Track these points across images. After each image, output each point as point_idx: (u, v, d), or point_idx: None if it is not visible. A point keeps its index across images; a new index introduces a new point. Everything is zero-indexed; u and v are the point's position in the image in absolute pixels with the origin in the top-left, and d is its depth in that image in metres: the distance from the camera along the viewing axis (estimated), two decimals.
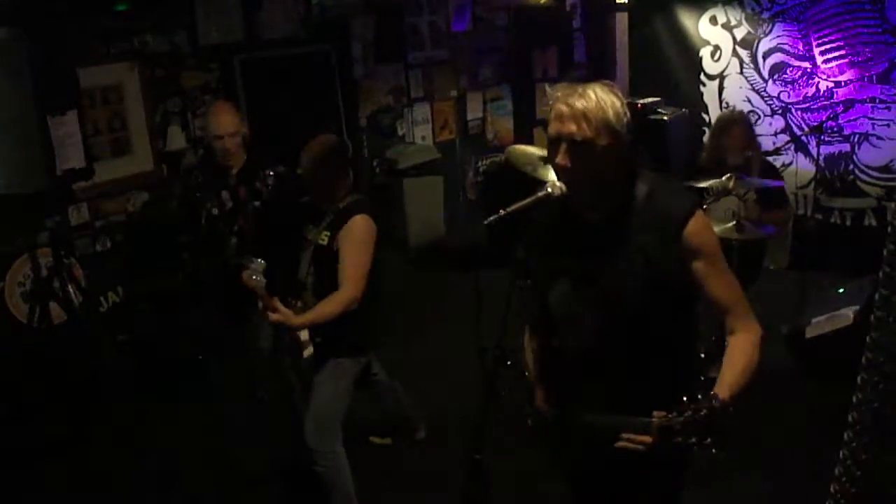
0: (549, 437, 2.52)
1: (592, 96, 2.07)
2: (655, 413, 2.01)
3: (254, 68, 6.01)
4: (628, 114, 2.13)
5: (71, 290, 4.36)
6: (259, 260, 3.21)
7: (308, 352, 3.46)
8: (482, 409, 2.35)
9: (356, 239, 3.41)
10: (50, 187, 3.92)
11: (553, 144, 2.14)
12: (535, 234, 2.35)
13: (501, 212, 2.16)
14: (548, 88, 2.19)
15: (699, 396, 1.98)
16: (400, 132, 7.26)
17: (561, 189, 2.15)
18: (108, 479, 3.98)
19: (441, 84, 7.51)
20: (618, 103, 2.10)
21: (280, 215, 3.98)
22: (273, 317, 3.23)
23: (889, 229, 1.23)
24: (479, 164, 7.87)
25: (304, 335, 3.45)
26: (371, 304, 3.46)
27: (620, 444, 2.07)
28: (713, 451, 1.96)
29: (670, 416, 1.96)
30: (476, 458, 2.26)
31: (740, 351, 2.17)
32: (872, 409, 1.17)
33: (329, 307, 3.33)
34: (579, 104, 2.07)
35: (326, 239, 3.47)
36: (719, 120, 5.09)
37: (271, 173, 4.09)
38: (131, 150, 5.36)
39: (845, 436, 1.29)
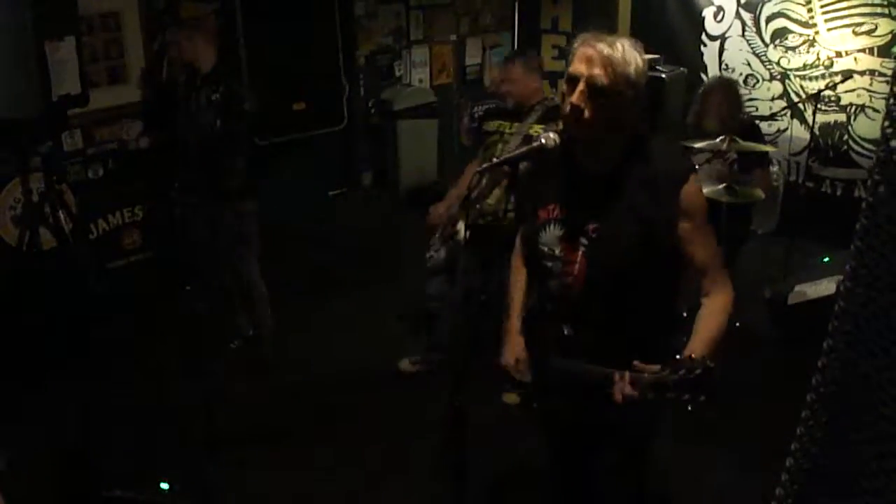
0: (529, 385, 2.55)
1: (620, 47, 2.13)
2: (639, 366, 2.08)
3: (254, 2, 5.93)
4: (647, 74, 2.20)
5: (62, 216, 4.36)
6: None
7: None
8: (461, 355, 2.39)
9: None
10: (44, 112, 3.88)
11: (570, 84, 2.16)
12: (530, 180, 2.41)
13: (494, 160, 2.27)
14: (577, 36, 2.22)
15: (691, 357, 2.04)
16: (397, 73, 7.22)
17: (555, 141, 2.21)
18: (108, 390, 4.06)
19: (441, 27, 7.44)
20: (640, 61, 2.17)
21: None
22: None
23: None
24: (475, 109, 7.83)
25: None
26: None
27: (615, 392, 2.11)
28: (708, 403, 2.01)
29: (663, 373, 2.03)
30: (455, 404, 2.32)
31: (715, 313, 2.26)
32: (830, 391, 1.22)
33: None
34: (607, 51, 2.12)
35: None
36: (705, 84, 5.14)
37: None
38: (128, 78, 5.31)
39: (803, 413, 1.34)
